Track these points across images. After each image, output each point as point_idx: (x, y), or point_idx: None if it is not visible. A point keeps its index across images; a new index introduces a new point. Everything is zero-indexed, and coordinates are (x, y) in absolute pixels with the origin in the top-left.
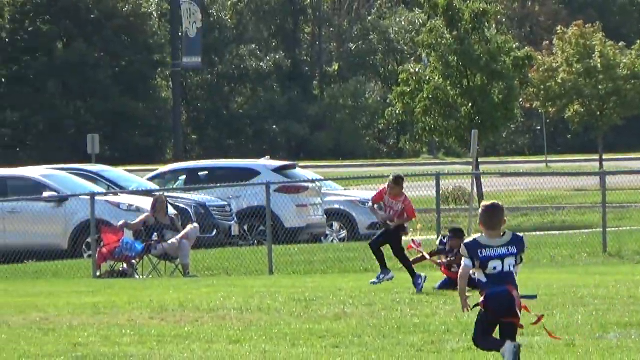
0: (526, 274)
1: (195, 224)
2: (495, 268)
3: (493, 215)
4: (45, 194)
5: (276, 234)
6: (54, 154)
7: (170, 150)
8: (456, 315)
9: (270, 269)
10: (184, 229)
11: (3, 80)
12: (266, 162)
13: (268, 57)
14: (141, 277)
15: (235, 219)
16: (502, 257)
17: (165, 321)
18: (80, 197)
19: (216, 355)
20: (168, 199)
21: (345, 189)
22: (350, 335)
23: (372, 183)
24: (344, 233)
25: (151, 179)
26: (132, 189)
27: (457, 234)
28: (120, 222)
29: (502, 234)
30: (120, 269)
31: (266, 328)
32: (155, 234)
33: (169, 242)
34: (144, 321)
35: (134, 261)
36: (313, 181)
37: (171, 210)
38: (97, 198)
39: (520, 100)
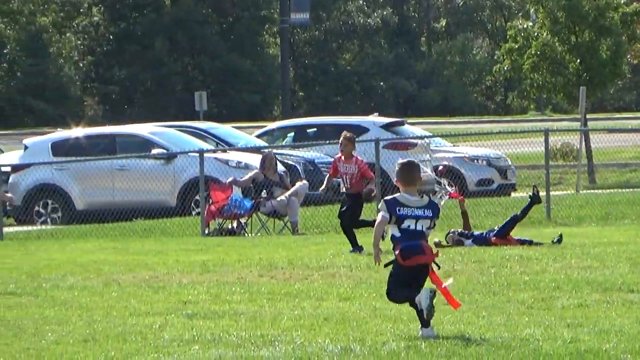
0: (636, 229)
1: (304, 181)
2: (409, 226)
3: (410, 172)
4: (154, 151)
5: (385, 191)
6: (162, 112)
7: (278, 107)
8: (566, 272)
9: None
10: (292, 186)
11: (111, 37)
12: (375, 119)
13: (375, 13)
14: (250, 234)
15: None
16: (417, 218)
17: (274, 279)
18: (188, 154)
19: (326, 313)
20: (277, 156)
21: (453, 146)
22: (460, 292)
23: (480, 139)
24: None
25: (259, 136)
26: (240, 146)
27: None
28: (229, 179)
29: (421, 196)
30: (229, 227)
31: (375, 285)
32: (264, 191)
33: (278, 199)
34: (253, 279)
35: (242, 219)
36: (422, 137)
37: (280, 167)
38: (205, 155)
39: (629, 56)
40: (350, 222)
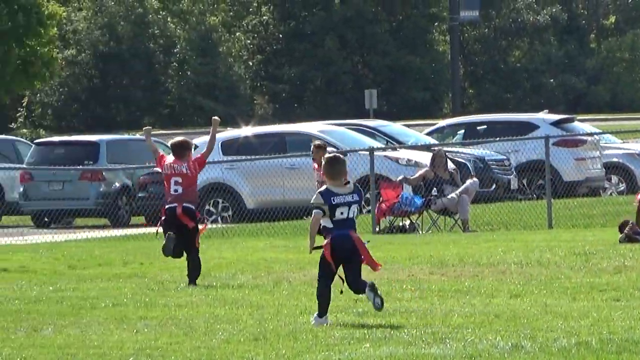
0: None
1: (475, 179)
2: (342, 214)
3: (334, 166)
4: None
5: (555, 188)
6: (332, 110)
7: (448, 105)
8: None
9: (549, 223)
10: (463, 183)
11: (281, 36)
12: (545, 116)
13: (545, 11)
14: (421, 232)
15: (514, 173)
16: (349, 204)
17: (445, 276)
18: (358, 152)
19: (497, 310)
20: (447, 153)
21: (623, 142)
22: (630, 288)
23: None
24: (622, 186)
25: (429, 134)
26: (410, 144)
27: None
28: (400, 177)
29: (345, 183)
30: (400, 225)
31: (546, 282)
32: (435, 188)
33: (449, 197)
34: (424, 276)
35: (413, 217)
36: (591, 134)
37: (450, 165)
38: (375, 153)
39: None
40: None
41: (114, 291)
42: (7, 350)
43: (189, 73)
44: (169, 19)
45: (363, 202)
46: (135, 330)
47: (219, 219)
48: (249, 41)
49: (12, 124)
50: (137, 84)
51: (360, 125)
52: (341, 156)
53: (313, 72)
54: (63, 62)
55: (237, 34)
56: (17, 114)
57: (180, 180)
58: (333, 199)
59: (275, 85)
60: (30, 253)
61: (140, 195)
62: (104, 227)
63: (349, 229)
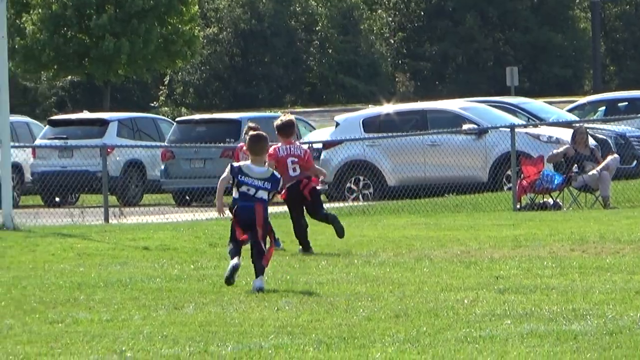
0: None
1: (616, 155)
2: (248, 190)
3: (257, 143)
4: (465, 127)
5: None
6: (473, 87)
7: (589, 82)
8: None
9: None
10: (604, 160)
11: (422, 13)
12: None
13: None
14: (564, 209)
15: None
16: (256, 188)
17: (586, 253)
18: (500, 129)
19: (638, 286)
20: (588, 130)
21: None
22: None
23: None
24: None
25: (570, 110)
26: (551, 121)
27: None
28: (540, 154)
29: (266, 167)
30: (541, 202)
31: None
32: (576, 165)
33: (589, 173)
34: (564, 253)
35: (554, 194)
36: None
37: (591, 142)
38: (516, 130)
39: None
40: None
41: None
42: (149, 327)
43: (330, 51)
44: None
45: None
46: (276, 308)
47: (360, 196)
48: (390, 18)
49: (154, 102)
50: (279, 61)
51: (502, 102)
52: (264, 134)
53: (454, 49)
54: (204, 41)
55: (379, 11)
56: (159, 93)
57: (296, 160)
58: (240, 176)
59: (416, 63)
60: (171, 231)
61: None
62: None
63: (255, 202)
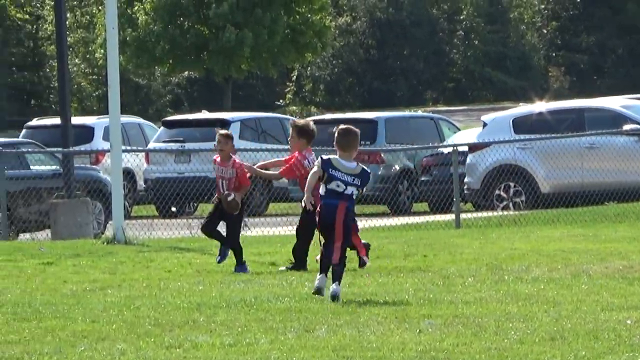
0: None
1: None
2: (338, 186)
3: (346, 138)
4: (627, 127)
5: None
6: (635, 82)
7: None
8: None
9: None
10: None
11: (578, 0)
12: None
13: None
14: None
15: None
16: (346, 183)
17: None
18: None
19: None
20: None
21: None
22: None
23: None
24: None
25: None
26: None
27: None
28: None
29: (356, 162)
30: None
31: None
32: None
33: None
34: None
35: None
36: None
37: None
38: None
39: None
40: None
41: (393, 287)
42: (276, 352)
43: (476, 42)
44: None
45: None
46: (418, 330)
47: (511, 204)
48: (542, 6)
49: (280, 100)
50: (419, 54)
51: None
52: (354, 128)
53: (614, 40)
54: (336, 31)
55: None
56: (286, 90)
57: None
58: (330, 170)
59: (572, 55)
60: None
61: (423, 179)
62: (382, 215)
63: (340, 199)
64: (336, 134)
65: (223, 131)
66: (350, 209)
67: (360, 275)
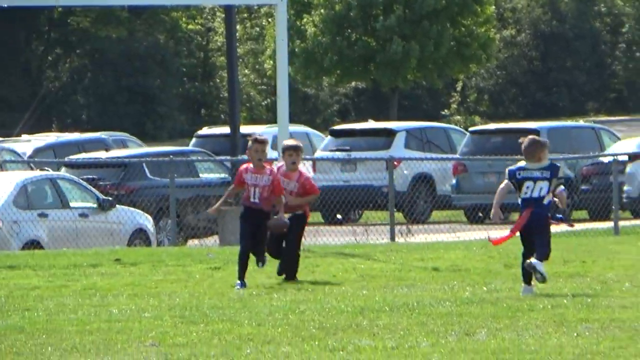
0: None
1: None
2: (528, 187)
3: (528, 148)
4: None
5: None
6: None
7: None
8: None
9: None
10: None
11: None
12: None
13: None
14: None
15: None
16: (534, 179)
17: None
18: None
19: None
20: None
21: None
22: None
23: None
24: None
25: None
26: None
27: None
28: None
29: (542, 163)
30: None
31: None
32: None
33: None
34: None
35: None
36: None
37: None
38: None
39: None
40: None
41: (552, 291)
42: (437, 355)
43: (638, 54)
44: None
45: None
46: (575, 334)
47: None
48: None
49: (445, 110)
50: (582, 66)
51: None
52: (538, 139)
53: None
54: (501, 43)
55: None
56: (451, 100)
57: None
58: (519, 173)
59: None
60: (462, 251)
61: (583, 188)
62: None
63: (536, 207)
64: (524, 146)
65: (260, 137)
66: (546, 207)
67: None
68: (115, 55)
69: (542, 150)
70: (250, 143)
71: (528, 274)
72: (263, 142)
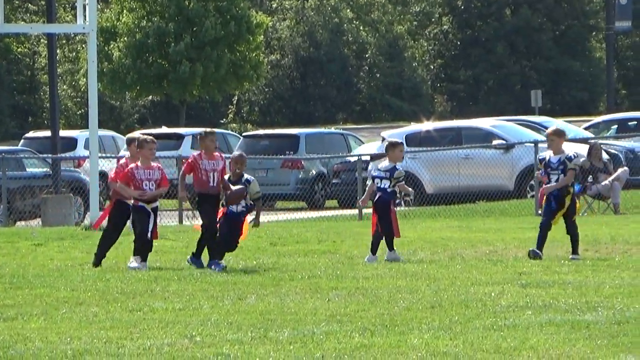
0: None
1: (626, 168)
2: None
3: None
4: (495, 142)
5: None
6: (502, 108)
7: (603, 103)
8: None
9: None
10: (615, 171)
11: (458, 43)
12: None
13: None
14: (578, 215)
15: None
16: (380, 178)
17: (598, 252)
18: (525, 144)
19: None
20: (602, 145)
21: None
22: None
23: None
24: None
25: (587, 128)
26: (570, 137)
27: None
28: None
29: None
30: None
31: None
32: (590, 176)
33: (602, 183)
34: (580, 252)
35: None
36: None
37: (604, 156)
38: (540, 145)
39: None
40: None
41: (309, 265)
42: (216, 315)
43: (378, 75)
44: (361, 28)
45: None
46: (327, 299)
47: (402, 202)
48: (430, 47)
49: (223, 119)
50: (333, 84)
51: (527, 121)
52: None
53: (486, 74)
54: (268, 66)
55: (421, 40)
56: (228, 111)
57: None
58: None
59: (453, 86)
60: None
61: (334, 181)
62: (301, 209)
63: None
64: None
65: (211, 129)
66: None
67: (283, 256)
68: None
69: (393, 152)
70: (203, 134)
71: (375, 245)
72: (214, 133)
